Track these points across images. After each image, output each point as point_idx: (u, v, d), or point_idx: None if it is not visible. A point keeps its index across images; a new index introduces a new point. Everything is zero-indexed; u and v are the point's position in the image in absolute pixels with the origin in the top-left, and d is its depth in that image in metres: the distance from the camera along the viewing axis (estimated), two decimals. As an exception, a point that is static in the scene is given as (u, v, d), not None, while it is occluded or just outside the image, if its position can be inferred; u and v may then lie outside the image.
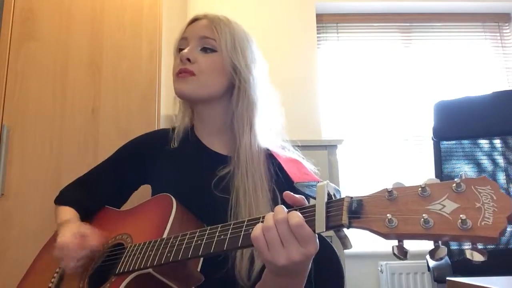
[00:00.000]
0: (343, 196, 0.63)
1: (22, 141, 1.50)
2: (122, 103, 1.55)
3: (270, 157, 0.98)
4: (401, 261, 2.24)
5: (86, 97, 1.55)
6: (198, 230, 0.76)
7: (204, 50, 1.01)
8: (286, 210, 0.66)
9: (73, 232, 0.94)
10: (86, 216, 1.09)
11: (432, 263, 1.65)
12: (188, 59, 1.00)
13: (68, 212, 1.07)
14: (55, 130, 1.52)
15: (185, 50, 1.00)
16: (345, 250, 1.75)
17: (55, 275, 0.99)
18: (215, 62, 1.00)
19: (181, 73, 1.00)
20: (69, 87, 1.56)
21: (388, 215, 0.55)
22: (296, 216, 0.64)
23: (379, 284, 2.27)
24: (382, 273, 2.24)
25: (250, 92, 1.00)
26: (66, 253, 0.91)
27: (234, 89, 1.02)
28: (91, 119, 1.54)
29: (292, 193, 0.69)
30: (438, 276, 1.56)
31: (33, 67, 1.56)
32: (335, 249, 0.97)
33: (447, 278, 0.98)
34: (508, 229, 1.74)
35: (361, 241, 2.02)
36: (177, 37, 1.06)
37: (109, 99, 1.55)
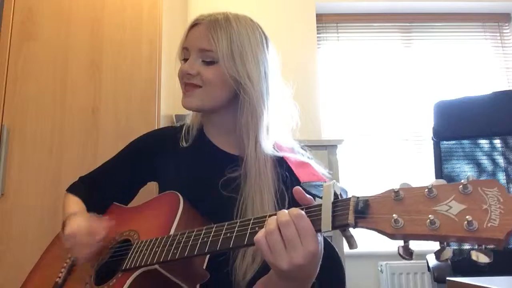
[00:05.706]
0: (349, 196, 0.63)
1: (22, 141, 1.51)
2: (122, 103, 1.55)
3: (280, 160, 0.98)
4: (401, 261, 2.25)
5: (86, 97, 1.55)
6: (205, 228, 0.76)
7: (205, 62, 0.99)
8: (288, 212, 0.65)
9: (81, 221, 0.96)
10: (94, 211, 1.09)
11: (432, 263, 1.65)
12: (190, 74, 0.99)
13: (75, 205, 1.08)
14: (55, 130, 1.52)
15: (186, 65, 1.00)
16: (345, 250, 1.75)
17: (62, 269, 1.00)
18: (216, 74, 0.98)
19: (186, 87, 1.01)
20: (69, 87, 1.56)
21: (394, 215, 0.55)
22: (296, 209, 0.65)
23: (379, 284, 2.26)
24: (382, 273, 2.24)
25: (254, 102, 0.97)
26: (77, 240, 0.93)
27: (239, 99, 1.00)
28: (91, 119, 1.54)
29: (303, 191, 0.69)
30: (438, 276, 1.56)
31: (33, 67, 1.56)
32: (336, 249, 0.97)
33: (447, 278, 0.98)
34: (508, 229, 1.74)
35: (361, 241, 2.03)
36: (180, 43, 1.04)
37: (109, 99, 1.55)
